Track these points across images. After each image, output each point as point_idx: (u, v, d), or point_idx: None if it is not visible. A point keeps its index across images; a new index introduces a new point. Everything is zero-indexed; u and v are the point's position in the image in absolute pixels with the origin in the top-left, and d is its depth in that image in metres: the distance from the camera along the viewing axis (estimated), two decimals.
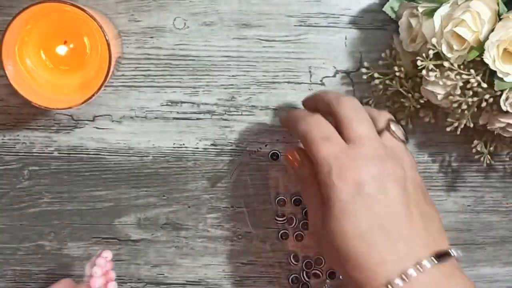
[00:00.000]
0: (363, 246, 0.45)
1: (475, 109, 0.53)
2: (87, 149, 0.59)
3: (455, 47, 0.51)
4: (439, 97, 0.52)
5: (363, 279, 0.45)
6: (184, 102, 0.59)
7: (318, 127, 0.49)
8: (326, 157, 0.47)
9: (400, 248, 0.45)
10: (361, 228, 0.45)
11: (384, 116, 0.51)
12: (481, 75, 0.51)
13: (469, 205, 0.61)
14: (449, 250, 0.47)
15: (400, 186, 0.47)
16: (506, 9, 0.50)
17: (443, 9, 0.51)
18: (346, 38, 0.58)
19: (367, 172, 0.46)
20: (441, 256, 0.46)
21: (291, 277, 0.60)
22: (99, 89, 0.52)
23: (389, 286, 0.44)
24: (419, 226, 0.47)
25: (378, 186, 0.46)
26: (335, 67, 0.59)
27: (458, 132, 0.54)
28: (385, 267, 0.45)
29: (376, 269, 0.45)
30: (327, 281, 0.60)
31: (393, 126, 0.51)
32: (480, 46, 0.50)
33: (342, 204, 0.46)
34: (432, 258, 0.45)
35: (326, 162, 0.47)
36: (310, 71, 0.59)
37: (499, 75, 0.50)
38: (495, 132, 0.54)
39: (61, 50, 0.55)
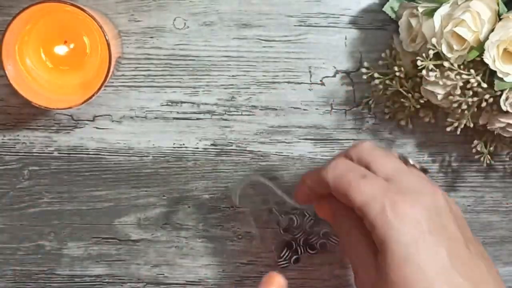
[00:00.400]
0: None
1: (475, 109, 0.53)
2: (87, 149, 0.59)
3: (455, 47, 0.51)
4: (439, 97, 0.52)
5: None
6: (184, 102, 0.59)
7: (350, 168, 0.44)
8: (373, 194, 0.41)
9: None
10: (428, 276, 0.39)
11: (392, 155, 0.47)
12: (481, 75, 0.51)
13: (469, 205, 0.61)
14: None
15: (452, 219, 0.42)
16: (506, 9, 0.50)
17: (443, 9, 0.51)
18: (346, 38, 0.58)
19: (421, 205, 0.41)
20: None
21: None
22: (99, 89, 0.52)
23: None
24: (483, 271, 0.41)
25: (436, 222, 0.41)
26: (335, 67, 0.59)
27: (458, 132, 0.54)
28: None
29: None
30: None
31: (410, 160, 0.47)
32: (480, 46, 0.50)
33: (404, 248, 0.40)
34: None
35: (374, 200, 0.41)
36: (310, 71, 0.59)
37: (499, 75, 0.50)
38: (495, 132, 0.54)
39: (61, 50, 0.55)
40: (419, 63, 0.51)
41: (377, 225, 0.41)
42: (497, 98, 0.51)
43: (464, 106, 0.52)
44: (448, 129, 0.54)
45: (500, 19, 0.50)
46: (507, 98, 0.51)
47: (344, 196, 0.43)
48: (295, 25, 0.58)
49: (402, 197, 0.41)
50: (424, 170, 0.48)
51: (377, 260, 0.42)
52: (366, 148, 0.46)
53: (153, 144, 0.59)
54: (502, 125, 0.53)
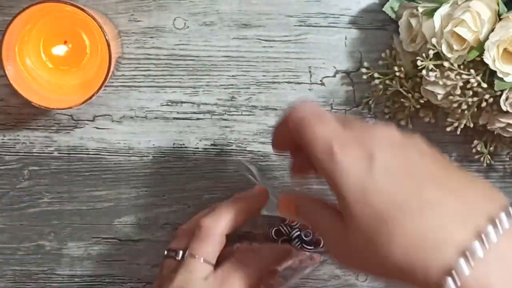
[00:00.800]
0: (406, 219, 0.36)
1: (475, 109, 0.53)
2: (87, 149, 0.59)
3: (455, 47, 0.51)
4: (439, 97, 0.52)
5: (419, 265, 0.35)
6: (184, 102, 0.59)
7: (310, 110, 0.42)
8: (322, 133, 0.40)
9: (457, 207, 0.36)
10: (396, 198, 0.36)
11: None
12: (481, 75, 0.51)
13: None
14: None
15: (417, 150, 0.39)
16: (506, 9, 0.50)
17: (443, 9, 0.51)
18: (346, 38, 0.58)
19: (373, 138, 0.39)
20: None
21: (273, 230, 0.59)
22: (99, 89, 0.52)
23: (461, 260, 0.34)
24: (467, 179, 0.38)
25: (393, 152, 0.38)
26: (335, 67, 0.59)
27: (458, 132, 0.54)
28: (452, 236, 0.35)
29: (436, 242, 0.35)
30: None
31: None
32: (480, 46, 0.50)
33: (358, 183, 0.37)
34: (509, 210, 0.35)
35: (322, 139, 0.39)
36: (310, 71, 0.59)
37: (499, 75, 0.50)
38: (495, 132, 0.54)
39: (61, 50, 0.55)
40: (419, 63, 0.51)
41: (323, 168, 0.39)
42: (497, 98, 0.51)
43: (464, 106, 0.52)
44: (448, 129, 0.54)
45: (500, 19, 0.50)
46: (507, 98, 0.51)
47: (299, 134, 0.42)
48: (295, 25, 0.58)
49: (354, 135, 0.39)
50: None
51: (340, 217, 0.40)
52: (306, 109, 0.43)
53: (153, 144, 0.59)
54: (502, 125, 0.53)
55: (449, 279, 0.34)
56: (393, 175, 0.37)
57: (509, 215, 0.35)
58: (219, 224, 0.48)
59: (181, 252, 0.49)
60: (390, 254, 0.36)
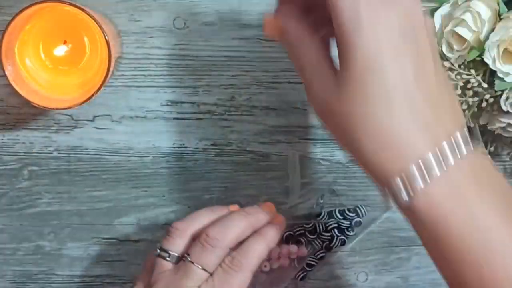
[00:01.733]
0: (390, 113, 0.36)
1: (476, 109, 0.53)
2: (87, 149, 0.59)
3: (455, 47, 0.51)
4: None
5: (388, 158, 0.36)
6: (184, 102, 0.59)
7: None
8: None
9: (434, 114, 0.37)
10: (388, 91, 0.36)
11: None
12: (481, 75, 0.51)
13: None
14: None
15: (426, 34, 0.37)
16: (506, 9, 0.50)
17: (444, 9, 0.51)
18: None
19: (398, 11, 0.36)
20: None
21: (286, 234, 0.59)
22: (99, 89, 0.52)
23: (420, 162, 0.36)
24: (445, 98, 0.38)
25: (410, 34, 0.37)
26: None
27: None
28: (421, 137, 0.36)
29: (409, 140, 0.36)
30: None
31: None
32: (480, 46, 0.50)
33: (371, 55, 0.36)
34: (465, 131, 0.38)
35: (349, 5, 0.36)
36: None
37: (500, 75, 0.50)
38: (496, 132, 0.54)
39: (61, 50, 0.55)
40: None
41: (345, 23, 0.36)
42: (497, 98, 0.51)
43: (464, 106, 0.52)
44: None
45: (500, 19, 0.50)
46: (507, 98, 0.51)
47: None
48: None
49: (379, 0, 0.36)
50: None
51: (335, 70, 0.38)
52: None
53: (153, 144, 0.59)
54: (503, 125, 0.53)
55: (400, 183, 0.36)
56: (397, 67, 0.36)
57: (467, 142, 0.37)
58: (227, 237, 0.48)
59: (176, 255, 0.49)
60: (363, 146, 0.37)
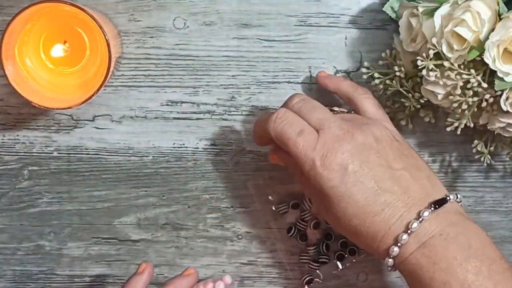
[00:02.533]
0: (367, 218, 0.48)
1: (475, 109, 0.53)
2: (87, 149, 0.59)
3: (455, 47, 0.50)
4: (439, 97, 0.52)
5: (376, 245, 0.49)
6: (184, 102, 0.59)
7: (290, 123, 0.50)
8: (305, 151, 0.49)
9: (398, 207, 0.48)
10: (359, 205, 0.48)
11: (319, 105, 0.53)
12: (481, 75, 0.51)
13: (469, 205, 0.61)
14: (446, 196, 0.49)
15: (374, 150, 0.50)
16: (506, 9, 0.50)
17: (443, 9, 0.51)
18: (346, 38, 0.58)
19: (343, 151, 0.49)
20: (439, 203, 0.49)
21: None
22: (99, 89, 0.52)
23: (398, 243, 0.48)
24: (407, 180, 0.49)
25: (359, 160, 0.49)
26: (335, 67, 0.59)
27: (458, 132, 0.54)
28: (392, 229, 0.48)
29: (384, 233, 0.48)
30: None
31: (335, 108, 0.55)
32: (480, 46, 0.50)
33: (336, 190, 0.49)
34: (431, 206, 0.48)
35: (306, 156, 0.49)
36: (310, 71, 0.59)
37: (499, 74, 0.50)
38: (495, 132, 0.54)
39: (61, 50, 0.55)
40: (419, 63, 0.51)
41: (311, 177, 0.49)
42: (497, 98, 0.51)
43: (464, 106, 0.52)
44: (448, 129, 0.54)
45: (500, 19, 0.50)
46: (507, 98, 0.51)
47: (284, 147, 0.51)
48: (295, 25, 0.58)
49: (329, 148, 0.49)
50: (349, 111, 0.55)
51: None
52: (297, 102, 0.52)
53: (153, 144, 0.59)
54: (502, 125, 0.53)
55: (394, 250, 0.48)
56: (359, 187, 0.49)
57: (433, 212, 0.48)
58: None
59: None
60: (359, 239, 0.50)
